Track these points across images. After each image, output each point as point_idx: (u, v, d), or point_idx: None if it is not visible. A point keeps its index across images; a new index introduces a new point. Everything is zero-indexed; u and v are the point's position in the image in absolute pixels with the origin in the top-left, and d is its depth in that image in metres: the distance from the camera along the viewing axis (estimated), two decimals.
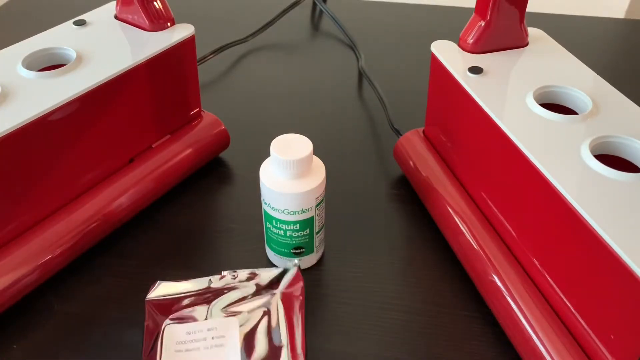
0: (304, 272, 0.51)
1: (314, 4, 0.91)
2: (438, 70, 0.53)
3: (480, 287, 0.48)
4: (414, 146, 0.58)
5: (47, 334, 0.46)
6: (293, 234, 0.48)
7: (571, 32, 0.85)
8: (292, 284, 0.45)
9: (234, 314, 0.43)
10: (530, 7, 0.52)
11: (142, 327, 0.43)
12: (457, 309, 0.48)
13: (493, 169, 0.48)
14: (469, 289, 0.49)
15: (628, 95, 0.47)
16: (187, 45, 0.55)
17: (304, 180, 0.46)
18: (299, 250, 0.49)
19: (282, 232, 0.48)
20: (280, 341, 0.41)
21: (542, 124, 0.44)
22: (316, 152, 0.47)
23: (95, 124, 0.50)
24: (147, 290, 0.46)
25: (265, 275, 0.46)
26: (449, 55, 0.52)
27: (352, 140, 0.66)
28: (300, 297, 0.44)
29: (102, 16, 0.57)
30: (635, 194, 0.38)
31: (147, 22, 0.54)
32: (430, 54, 0.53)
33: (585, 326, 0.39)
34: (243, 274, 0.45)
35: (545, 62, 0.51)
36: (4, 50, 0.52)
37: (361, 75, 0.77)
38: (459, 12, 0.87)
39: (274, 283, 0.45)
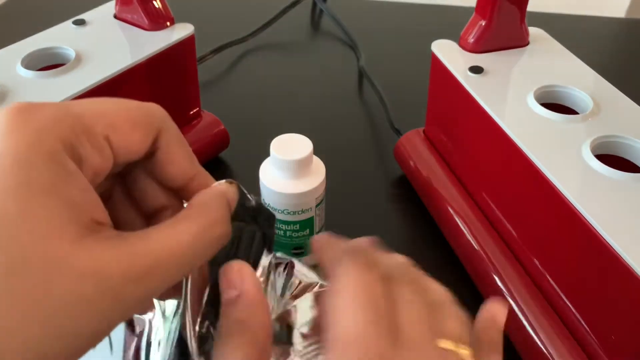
0: None
1: (314, 4, 0.91)
2: (438, 69, 0.52)
3: (481, 288, 0.48)
4: (415, 146, 0.58)
5: None
6: (293, 234, 0.48)
7: (572, 32, 0.85)
8: None
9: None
10: (531, 7, 0.52)
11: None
12: None
13: (494, 169, 0.48)
14: (469, 290, 0.49)
15: (629, 95, 0.47)
16: (186, 44, 0.55)
17: (304, 180, 0.46)
18: (299, 251, 0.49)
19: (281, 232, 0.48)
20: None
21: (542, 124, 0.44)
22: (316, 152, 0.47)
23: None
24: None
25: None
26: (450, 54, 0.52)
27: (352, 140, 0.66)
28: None
29: (102, 15, 0.57)
30: (636, 194, 0.38)
31: (146, 21, 0.54)
32: (431, 54, 0.53)
33: (586, 327, 0.39)
34: None
35: (546, 61, 0.51)
36: (3, 49, 0.51)
37: (361, 74, 0.76)
38: (460, 12, 0.87)
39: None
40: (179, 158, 0.26)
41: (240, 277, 0.25)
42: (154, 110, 0.25)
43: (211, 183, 0.27)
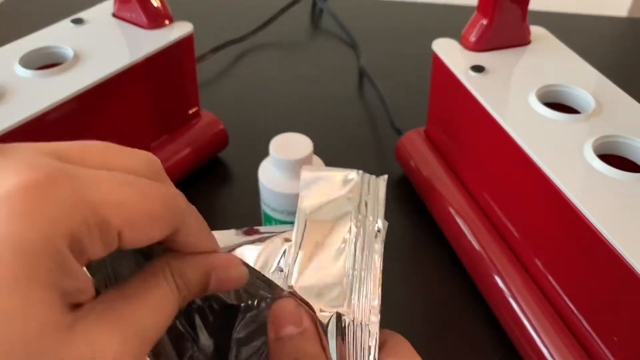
0: None
1: (314, 3, 0.91)
2: (439, 68, 0.52)
3: (482, 288, 0.48)
4: (415, 146, 0.58)
5: None
6: None
7: (574, 31, 0.85)
8: None
9: None
10: (533, 5, 0.52)
11: None
12: (458, 310, 0.48)
13: (495, 169, 0.47)
14: (470, 290, 0.49)
15: (631, 95, 0.47)
16: (185, 43, 0.55)
17: None
18: None
19: None
20: None
21: (544, 123, 0.44)
22: (316, 152, 0.46)
23: (93, 123, 0.50)
24: None
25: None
26: (451, 53, 0.51)
27: (353, 139, 0.66)
28: None
29: (100, 14, 0.56)
30: (638, 194, 0.38)
31: (145, 20, 0.54)
32: (432, 53, 0.53)
33: (588, 328, 0.39)
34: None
35: (548, 60, 0.51)
36: (1, 48, 0.51)
37: (362, 74, 0.76)
38: (461, 10, 0.87)
39: None
40: (194, 251, 0.24)
41: (299, 315, 0.25)
42: (177, 204, 0.23)
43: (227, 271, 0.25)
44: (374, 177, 0.28)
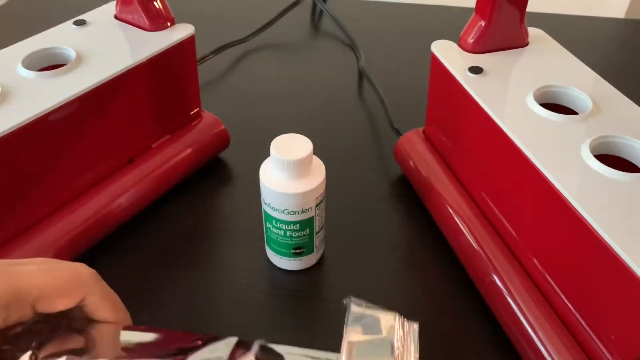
0: (304, 272, 0.51)
1: (314, 4, 0.91)
2: (438, 70, 0.53)
3: (480, 288, 0.48)
4: (414, 146, 0.58)
5: None
6: (293, 234, 0.48)
7: (571, 32, 0.85)
8: None
9: None
10: (531, 7, 0.52)
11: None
12: (457, 309, 0.48)
13: (493, 169, 0.48)
14: (469, 289, 0.49)
15: (628, 95, 0.47)
16: (187, 45, 0.55)
17: (304, 180, 0.46)
18: (299, 251, 0.49)
19: (281, 232, 0.48)
20: None
21: (542, 124, 0.44)
22: (316, 152, 0.47)
23: (95, 123, 0.50)
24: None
25: None
26: (449, 55, 0.52)
27: (352, 140, 0.66)
28: None
29: (102, 16, 0.57)
30: (635, 194, 0.38)
31: (147, 21, 0.54)
32: (431, 54, 0.53)
33: (586, 326, 0.39)
34: None
35: (546, 62, 0.51)
36: (3, 50, 0.51)
37: (361, 75, 0.76)
38: (459, 12, 0.87)
39: None
40: (102, 316, 0.31)
41: None
42: (81, 277, 0.30)
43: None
44: (407, 321, 0.32)
